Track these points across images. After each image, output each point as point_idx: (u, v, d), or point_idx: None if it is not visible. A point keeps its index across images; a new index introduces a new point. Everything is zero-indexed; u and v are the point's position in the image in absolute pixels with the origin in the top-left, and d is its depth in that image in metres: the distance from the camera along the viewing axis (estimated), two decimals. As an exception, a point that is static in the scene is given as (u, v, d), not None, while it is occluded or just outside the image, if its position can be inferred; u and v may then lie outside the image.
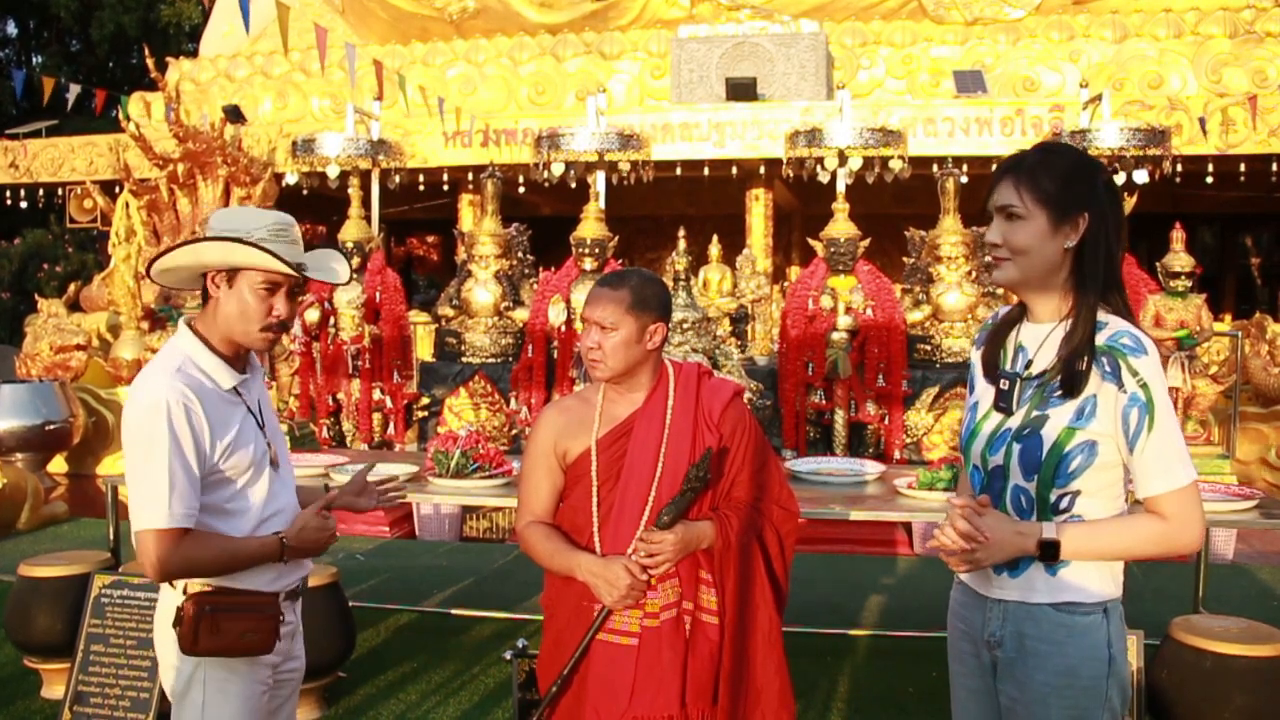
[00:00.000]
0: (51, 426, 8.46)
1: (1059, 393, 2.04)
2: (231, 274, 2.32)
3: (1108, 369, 2.00)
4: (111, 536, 4.52)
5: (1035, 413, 2.06)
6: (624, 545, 2.41)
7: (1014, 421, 2.09)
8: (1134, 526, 2.03)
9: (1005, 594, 2.11)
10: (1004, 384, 2.12)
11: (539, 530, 2.52)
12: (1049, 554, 2.01)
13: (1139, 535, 2.02)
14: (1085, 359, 2.01)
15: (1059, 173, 2.06)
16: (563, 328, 7.47)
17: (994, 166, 2.17)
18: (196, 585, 2.30)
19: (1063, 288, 2.09)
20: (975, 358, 2.27)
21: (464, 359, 7.90)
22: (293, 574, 2.44)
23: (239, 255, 2.29)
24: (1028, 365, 2.11)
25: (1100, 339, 2.02)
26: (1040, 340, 2.11)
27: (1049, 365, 2.07)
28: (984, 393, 2.19)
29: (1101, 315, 2.05)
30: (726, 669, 2.43)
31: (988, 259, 2.16)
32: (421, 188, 12.45)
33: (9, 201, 14.76)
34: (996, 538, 2.01)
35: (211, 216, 2.39)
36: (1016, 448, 2.06)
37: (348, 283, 2.39)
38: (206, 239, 2.30)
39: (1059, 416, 2.03)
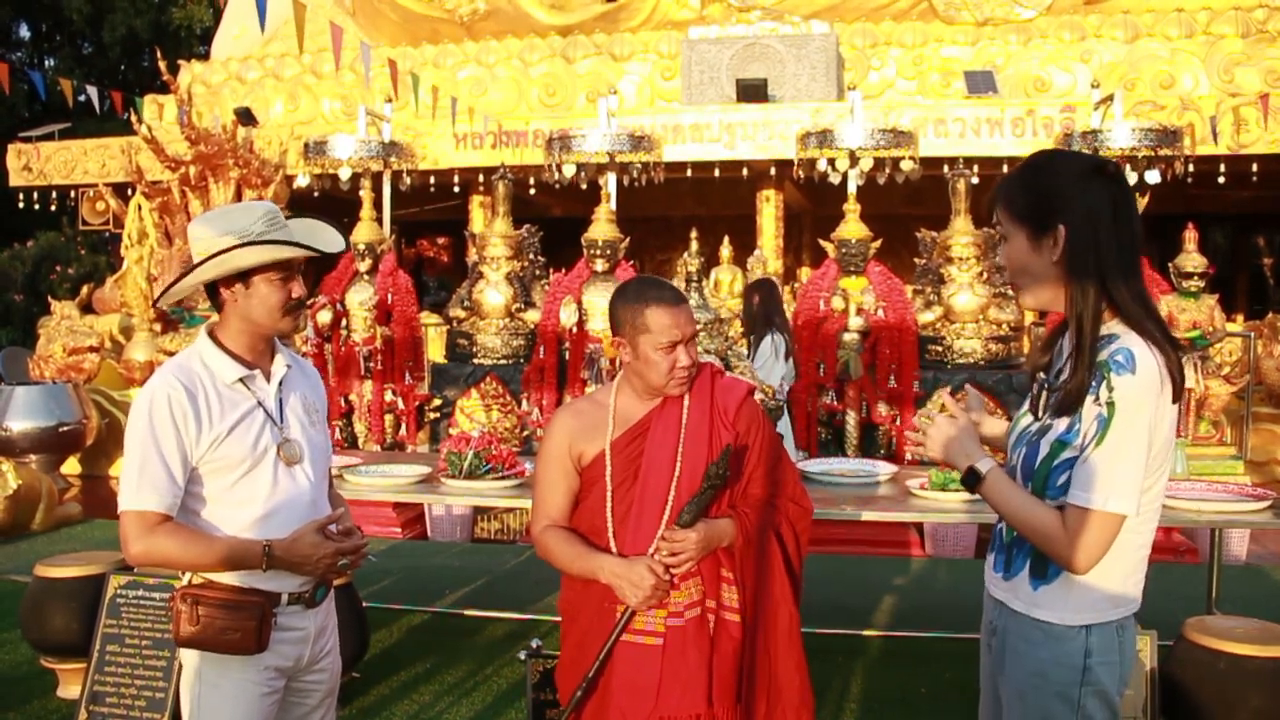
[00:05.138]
0: (65, 428, 8.51)
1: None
2: (245, 277, 2.34)
3: (1094, 384, 1.97)
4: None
5: (1044, 420, 2.08)
6: (644, 545, 2.40)
7: (1034, 426, 2.11)
8: (1037, 511, 2.02)
9: (995, 591, 2.19)
10: (1039, 389, 2.15)
11: (557, 534, 2.51)
12: (969, 480, 2.11)
13: (1033, 520, 2.02)
14: (1081, 382, 1.98)
15: (1030, 187, 2.07)
16: (574, 329, 7.48)
17: (1005, 168, 2.17)
18: (192, 579, 2.34)
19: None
20: None
21: (475, 360, 7.90)
22: (293, 577, 2.37)
23: (248, 258, 2.31)
24: (1059, 374, 2.12)
25: (1103, 355, 1.98)
26: (1069, 350, 2.10)
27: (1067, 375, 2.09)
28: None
29: (1116, 327, 2.00)
30: (750, 666, 2.43)
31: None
32: (433, 189, 12.45)
33: (22, 204, 14.82)
34: (939, 437, 2.16)
35: (192, 225, 2.37)
36: (1022, 451, 2.10)
37: (345, 252, 2.39)
38: (210, 258, 2.30)
39: (1058, 428, 2.03)
